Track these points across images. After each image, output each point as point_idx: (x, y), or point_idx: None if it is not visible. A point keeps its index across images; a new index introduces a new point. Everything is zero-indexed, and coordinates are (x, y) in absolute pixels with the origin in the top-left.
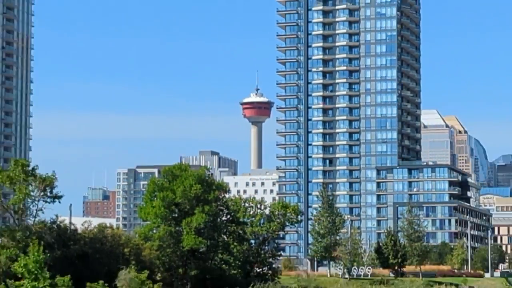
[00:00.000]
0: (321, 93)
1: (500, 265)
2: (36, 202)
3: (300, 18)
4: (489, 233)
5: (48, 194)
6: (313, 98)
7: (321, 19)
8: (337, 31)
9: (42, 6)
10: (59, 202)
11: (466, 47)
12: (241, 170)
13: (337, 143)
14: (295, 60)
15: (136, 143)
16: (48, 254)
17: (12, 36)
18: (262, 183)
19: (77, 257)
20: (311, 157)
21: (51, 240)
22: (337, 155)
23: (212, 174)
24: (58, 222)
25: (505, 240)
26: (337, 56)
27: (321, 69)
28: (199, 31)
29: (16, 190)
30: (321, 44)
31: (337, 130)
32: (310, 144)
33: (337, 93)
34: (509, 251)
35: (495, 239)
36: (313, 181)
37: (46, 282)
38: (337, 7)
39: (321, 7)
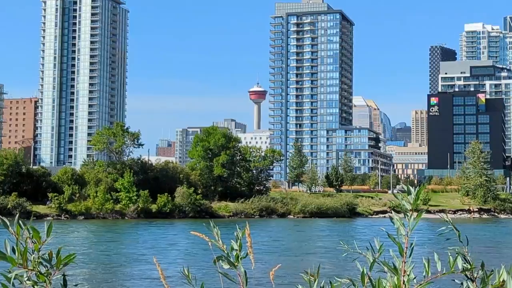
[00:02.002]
0: (294, 86)
1: (397, 185)
2: (129, 147)
3: (283, 43)
4: (391, 167)
5: (136, 143)
6: (290, 89)
7: (295, 43)
8: (304, 50)
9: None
10: (142, 147)
11: (383, 56)
12: (248, 130)
13: (304, 115)
14: (279, 67)
15: (187, 113)
16: (135, 177)
17: (115, 50)
18: (260, 138)
19: (152, 179)
20: (288, 123)
21: (137, 169)
22: (304, 122)
23: (231, 132)
24: (141, 159)
25: (400, 171)
26: (304, 65)
27: (294, 71)
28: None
29: (117, 140)
30: (295, 57)
31: (304, 107)
32: (288, 115)
33: (304, 86)
34: (402, 177)
35: (394, 171)
36: (290, 137)
37: (134, 193)
38: (304, 36)
39: (295, 36)
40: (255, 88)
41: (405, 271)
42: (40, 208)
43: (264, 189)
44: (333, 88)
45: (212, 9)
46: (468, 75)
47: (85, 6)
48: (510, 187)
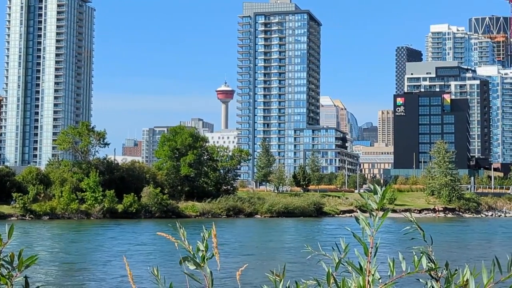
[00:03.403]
0: (262, 86)
1: (363, 185)
2: (94, 147)
3: (251, 43)
4: (358, 167)
5: (101, 142)
6: (258, 88)
7: (263, 42)
8: (272, 50)
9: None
10: (108, 147)
11: (350, 56)
12: (216, 129)
13: (271, 114)
14: (247, 66)
15: (154, 112)
16: (101, 177)
17: (81, 49)
18: (228, 137)
19: (118, 179)
20: (256, 122)
21: (103, 169)
22: (271, 122)
23: (198, 131)
24: (107, 159)
25: (366, 171)
26: (272, 64)
27: (262, 71)
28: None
29: (82, 140)
30: (262, 57)
31: (272, 107)
32: (256, 115)
33: (271, 86)
34: (368, 177)
35: (361, 170)
36: (257, 136)
37: (99, 193)
38: (272, 36)
39: (263, 35)
40: (223, 88)
41: (370, 271)
42: (4, 208)
43: (231, 188)
44: (300, 88)
45: (180, 9)
46: (434, 75)
47: (50, 4)
48: (474, 187)
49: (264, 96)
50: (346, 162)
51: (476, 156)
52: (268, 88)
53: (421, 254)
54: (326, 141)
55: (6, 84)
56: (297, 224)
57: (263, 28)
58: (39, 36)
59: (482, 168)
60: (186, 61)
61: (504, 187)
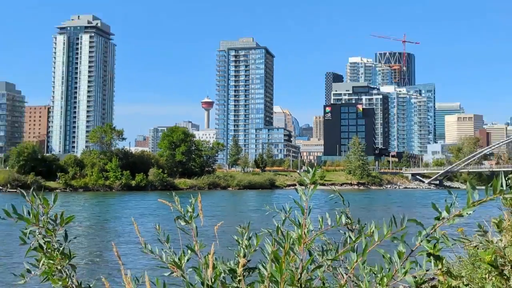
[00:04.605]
0: (233, 98)
1: (303, 167)
2: (115, 140)
3: (225, 68)
4: (299, 154)
5: (120, 137)
6: (230, 100)
7: (234, 69)
8: (240, 74)
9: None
10: (124, 140)
11: (294, 78)
12: (200, 128)
13: (239, 118)
14: (223, 85)
15: (157, 116)
16: (120, 162)
17: (106, 72)
18: (209, 134)
19: (132, 163)
20: (229, 124)
21: (121, 156)
22: (239, 123)
23: (188, 130)
24: (124, 149)
25: (305, 157)
26: (240, 84)
27: (233, 89)
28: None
29: (107, 135)
30: (233, 79)
31: (240, 113)
32: (229, 119)
33: (240, 99)
34: (306, 161)
35: (301, 157)
36: (230, 133)
37: (118, 173)
38: (240, 64)
39: (234, 64)
40: (206, 100)
41: (305, 225)
42: (51, 183)
43: (211, 169)
44: (259, 100)
45: (175, 44)
46: (351, 92)
47: (85, 41)
48: (378, 168)
49: (234, 105)
50: (291, 151)
51: (380, 147)
52: (237, 100)
53: (341, 213)
54: (277, 137)
55: (53, 97)
56: (257, 194)
57: (233, 59)
58: (76, 63)
59: (383, 155)
60: (180, 80)
61: (398, 168)
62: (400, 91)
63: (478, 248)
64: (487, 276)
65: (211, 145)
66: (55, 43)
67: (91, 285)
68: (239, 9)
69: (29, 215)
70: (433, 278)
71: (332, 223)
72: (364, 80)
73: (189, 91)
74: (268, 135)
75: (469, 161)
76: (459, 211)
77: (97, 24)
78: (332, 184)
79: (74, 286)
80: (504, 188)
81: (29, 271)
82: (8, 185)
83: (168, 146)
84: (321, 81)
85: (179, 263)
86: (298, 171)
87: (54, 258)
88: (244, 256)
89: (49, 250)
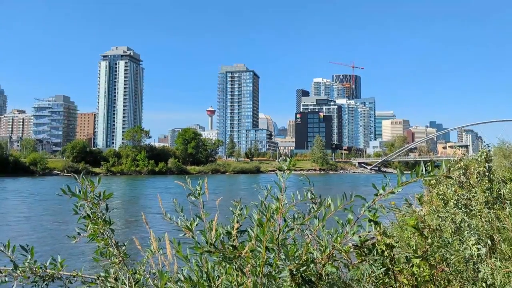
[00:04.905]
0: (229, 108)
1: (280, 157)
2: (143, 138)
3: (224, 86)
4: (278, 149)
5: (147, 136)
6: (227, 109)
7: (230, 86)
8: (234, 90)
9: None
10: (151, 138)
11: (275, 92)
12: (206, 130)
13: (234, 122)
14: (222, 98)
15: (174, 120)
16: (147, 154)
17: (136, 88)
18: (212, 134)
19: (156, 155)
20: (226, 126)
21: (148, 149)
22: (234, 126)
23: (197, 130)
24: (150, 144)
25: (282, 150)
26: (234, 97)
27: (229, 101)
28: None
29: (137, 134)
30: (230, 93)
31: (234, 119)
32: (226, 123)
33: (234, 108)
34: (283, 153)
35: (279, 150)
36: (227, 133)
37: (146, 162)
38: (234, 82)
39: (230, 83)
40: (210, 108)
41: (282, 199)
42: (96, 170)
43: (214, 159)
44: (249, 109)
45: (188, 67)
46: (315, 103)
47: (121, 66)
48: (334, 158)
49: (231, 113)
50: (271, 146)
51: (335, 143)
52: (232, 109)
53: (308, 191)
54: (261, 136)
55: (98, 106)
56: (247, 177)
57: (230, 79)
58: (115, 81)
59: (338, 149)
60: (191, 94)
61: (348, 158)
62: (350, 103)
63: (405, 216)
64: (411, 235)
65: (213, 142)
66: (100, 67)
67: (125, 244)
68: (235, 42)
69: (80, 193)
70: (373, 238)
71: (301, 198)
72: (324, 95)
73: (197, 102)
74: (255, 134)
75: (399, 153)
76: (391, 189)
77: (130, 53)
78: (301, 170)
79: (113, 244)
80: (424, 172)
81: (79, 233)
82: (65, 170)
83: (182, 142)
84: (293, 95)
85: (190, 227)
86: (277, 160)
87: (98, 224)
88: (237, 222)
89: (94, 218)
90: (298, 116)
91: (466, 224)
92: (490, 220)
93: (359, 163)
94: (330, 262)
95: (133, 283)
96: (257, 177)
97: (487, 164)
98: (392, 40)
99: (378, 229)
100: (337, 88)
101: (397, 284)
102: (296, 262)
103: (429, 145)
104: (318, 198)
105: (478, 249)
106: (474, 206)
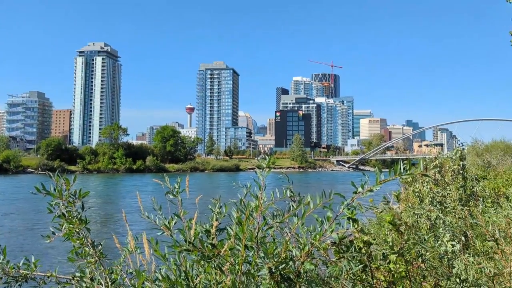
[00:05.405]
0: (209, 105)
1: (260, 155)
2: (121, 135)
3: (203, 83)
4: (257, 146)
5: (125, 133)
6: (207, 106)
7: (209, 83)
8: (214, 87)
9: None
10: (128, 135)
11: (254, 90)
12: (185, 127)
13: (213, 120)
14: (201, 95)
15: (153, 117)
16: (124, 151)
17: (114, 84)
18: (191, 131)
19: (133, 152)
20: (205, 124)
21: (125, 147)
22: (213, 123)
23: (176, 128)
24: (127, 142)
25: (261, 148)
26: (214, 94)
27: (209, 98)
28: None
29: (115, 132)
30: (209, 90)
31: (214, 116)
32: (205, 120)
33: (214, 105)
34: (262, 151)
35: (258, 148)
36: (206, 131)
37: (123, 160)
38: (214, 80)
39: (209, 80)
40: (189, 106)
41: (262, 198)
42: (72, 167)
43: (193, 157)
44: (228, 107)
45: (167, 64)
46: (294, 102)
47: (98, 62)
48: (313, 156)
49: (210, 110)
50: (251, 144)
51: (314, 141)
52: (212, 106)
53: (287, 189)
54: (241, 134)
55: (74, 102)
56: (226, 176)
57: (209, 76)
58: (92, 78)
59: (317, 147)
60: (170, 91)
61: (327, 156)
62: (329, 101)
63: (382, 213)
64: (388, 232)
65: (192, 139)
66: (76, 63)
67: (101, 243)
68: (214, 38)
69: (55, 191)
70: (351, 235)
71: (280, 196)
72: (304, 93)
73: (176, 99)
74: (235, 132)
75: (376, 151)
76: (370, 187)
77: (107, 49)
78: (280, 168)
79: (88, 243)
80: (402, 171)
81: (53, 233)
82: (39, 168)
83: (160, 140)
84: (273, 93)
85: (168, 226)
86: (256, 158)
87: (73, 223)
88: (216, 220)
89: (70, 217)
90: (278, 114)
91: (441, 221)
92: (464, 217)
93: (337, 161)
94: (309, 259)
95: (110, 283)
96: (237, 175)
97: (461, 162)
98: (371, 40)
99: (356, 226)
100: (316, 86)
101: (374, 281)
102: (275, 260)
103: (405, 144)
104: (297, 196)
105: (453, 245)
106: (449, 203)
